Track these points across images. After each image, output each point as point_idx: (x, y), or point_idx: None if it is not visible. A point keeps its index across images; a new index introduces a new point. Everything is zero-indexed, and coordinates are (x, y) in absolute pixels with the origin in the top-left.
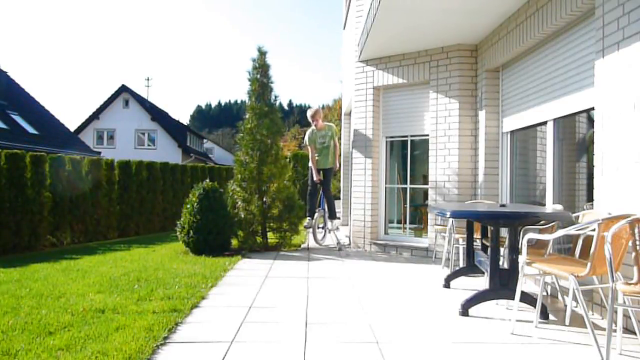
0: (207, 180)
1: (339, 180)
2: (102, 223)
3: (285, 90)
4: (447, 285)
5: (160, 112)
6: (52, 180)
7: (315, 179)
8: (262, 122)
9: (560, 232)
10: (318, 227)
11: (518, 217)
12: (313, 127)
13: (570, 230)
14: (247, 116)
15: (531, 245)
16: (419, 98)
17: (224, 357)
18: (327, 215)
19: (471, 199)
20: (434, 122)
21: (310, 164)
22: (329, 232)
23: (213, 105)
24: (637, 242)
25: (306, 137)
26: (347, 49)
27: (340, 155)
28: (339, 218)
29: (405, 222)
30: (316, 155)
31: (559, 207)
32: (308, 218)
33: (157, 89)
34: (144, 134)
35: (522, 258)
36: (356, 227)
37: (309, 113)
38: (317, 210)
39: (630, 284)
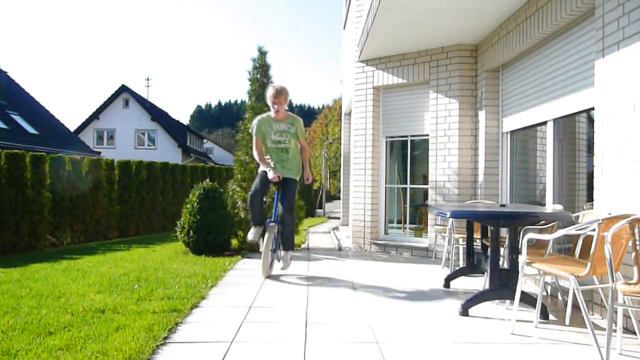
0: (207, 180)
1: (339, 180)
2: (102, 223)
3: None
4: (447, 285)
5: (160, 112)
6: (52, 180)
7: (270, 176)
8: None
9: (560, 232)
10: (271, 248)
11: (518, 217)
12: (271, 112)
13: (570, 230)
14: (247, 116)
15: (531, 245)
16: (419, 98)
17: (224, 357)
18: (279, 241)
19: (471, 199)
20: (434, 122)
21: (255, 155)
22: (278, 262)
23: (213, 105)
24: (637, 242)
25: (253, 125)
26: (347, 49)
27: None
28: (293, 249)
29: (405, 222)
30: (267, 158)
31: (559, 207)
32: (252, 228)
33: (157, 89)
34: (144, 134)
35: (522, 258)
36: (356, 227)
37: (269, 92)
38: (269, 224)
39: (630, 284)
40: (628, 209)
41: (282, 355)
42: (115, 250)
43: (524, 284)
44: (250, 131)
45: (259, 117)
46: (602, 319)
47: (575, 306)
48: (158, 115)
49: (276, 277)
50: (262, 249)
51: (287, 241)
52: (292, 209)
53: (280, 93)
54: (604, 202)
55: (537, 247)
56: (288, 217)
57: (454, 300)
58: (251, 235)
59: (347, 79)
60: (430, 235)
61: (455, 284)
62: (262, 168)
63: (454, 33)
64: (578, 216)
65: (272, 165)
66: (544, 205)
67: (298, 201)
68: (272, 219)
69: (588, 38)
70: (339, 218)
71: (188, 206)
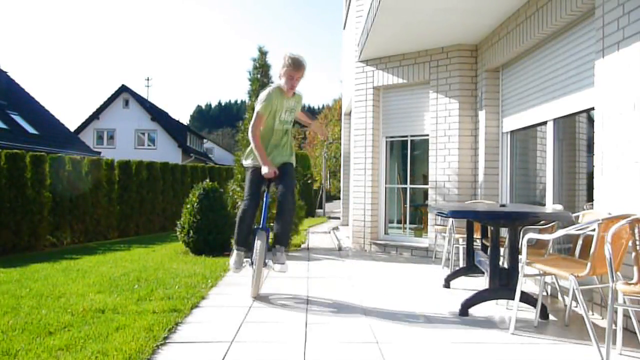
0: (207, 180)
1: (339, 180)
2: (102, 223)
3: None
4: (447, 285)
5: (160, 112)
6: (52, 180)
7: (265, 171)
8: None
9: (560, 232)
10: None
11: (518, 217)
12: (280, 84)
13: (570, 230)
14: (247, 116)
15: (531, 245)
16: (419, 98)
17: (224, 357)
18: (274, 238)
19: (471, 199)
20: (434, 122)
21: (253, 147)
22: (272, 268)
23: (213, 105)
24: (637, 242)
25: (261, 101)
26: (347, 49)
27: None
28: (288, 245)
29: (405, 222)
30: (264, 142)
31: (559, 207)
32: (235, 252)
33: (157, 89)
34: (144, 134)
35: (522, 258)
36: (356, 227)
37: (288, 64)
38: (257, 231)
39: (630, 284)
40: (628, 209)
41: (282, 355)
42: (115, 250)
43: (524, 284)
44: (259, 102)
45: (271, 89)
46: (602, 319)
47: (575, 306)
48: (158, 115)
49: (276, 276)
50: (254, 264)
51: (283, 234)
52: (293, 191)
53: (302, 67)
54: (604, 202)
55: (537, 247)
56: (290, 200)
57: (454, 300)
58: (234, 263)
59: (347, 79)
60: (430, 235)
61: (455, 284)
62: (249, 161)
63: (454, 33)
64: (578, 216)
65: (274, 151)
66: (544, 205)
67: (298, 201)
68: (262, 225)
69: (588, 38)
70: (339, 218)
71: (188, 206)
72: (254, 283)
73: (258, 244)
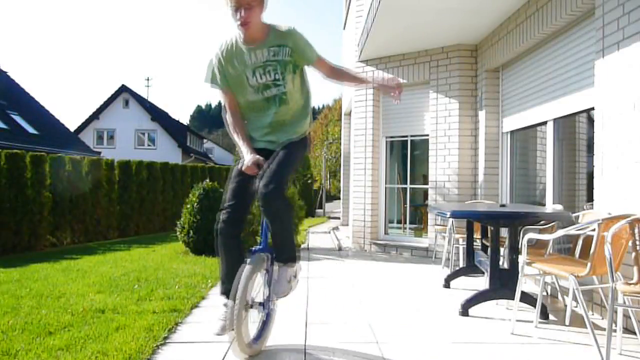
0: (207, 180)
1: (339, 180)
2: (102, 223)
3: None
4: (447, 285)
5: (160, 112)
6: (52, 180)
7: (241, 165)
8: None
9: (560, 232)
10: (254, 303)
11: (518, 217)
12: (237, 35)
13: (570, 230)
14: None
15: (531, 245)
16: (419, 98)
17: (224, 357)
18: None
19: (471, 199)
20: (434, 122)
21: (229, 127)
22: (272, 304)
23: (213, 105)
24: (637, 242)
25: (210, 62)
26: (347, 49)
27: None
28: (296, 259)
29: (405, 222)
30: (248, 113)
31: (559, 207)
32: (222, 307)
33: (157, 89)
34: (144, 134)
35: (522, 258)
36: (356, 227)
37: None
38: (252, 252)
39: (630, 284)
40: (628, 209)
41: (283, 355)
42: (115, 250)
43: (524, 284)
44: (205, 80)
45: (218, 45)
46: (602, 319)
47: (575, 306)
48: (158, 115)
49: None
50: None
51: (282, 246)
52: (282, 187)
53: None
54: (604, 202)
55: (537, 247)
56: (279, 204)
57: (454, 300)
58: (220, 324)
59: None
60: (430, 235)
61: (455, 284)
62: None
63: (454, 33)
64: (578, 216)
65: (254, 119)
66: (544, 205)
67: (298, 201)
68: (261, 246)
69: (588, 38)
70: (339, 218)
71: (188, 206)
72: (237, 340)
73: (245, 272)
